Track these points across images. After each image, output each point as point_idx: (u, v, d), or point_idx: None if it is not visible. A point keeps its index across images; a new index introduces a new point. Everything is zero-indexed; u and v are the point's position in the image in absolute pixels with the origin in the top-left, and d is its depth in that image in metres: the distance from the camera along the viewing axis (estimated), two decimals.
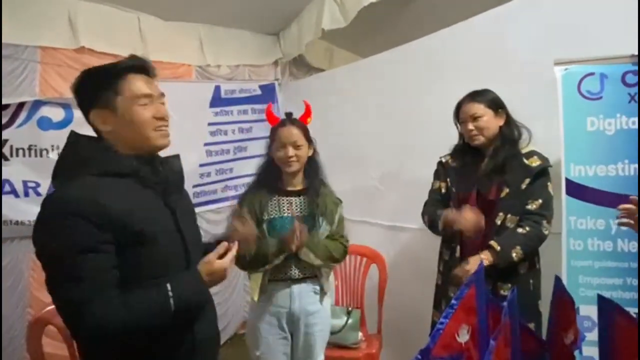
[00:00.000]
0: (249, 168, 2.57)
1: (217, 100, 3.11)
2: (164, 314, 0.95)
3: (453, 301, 0.67)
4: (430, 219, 1.78)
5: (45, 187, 2.40)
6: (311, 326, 1.70)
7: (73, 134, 1.07)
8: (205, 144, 3.06)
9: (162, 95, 1.10)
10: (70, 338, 1.62)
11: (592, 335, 1.05)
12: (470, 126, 1.69)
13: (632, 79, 1.52)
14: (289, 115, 1.71)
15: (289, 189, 1.71)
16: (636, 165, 1.50)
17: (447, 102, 2.23)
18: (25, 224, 2.31)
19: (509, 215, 1.63)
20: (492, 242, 1.58)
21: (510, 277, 1.61)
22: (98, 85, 1.03)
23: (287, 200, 1.69)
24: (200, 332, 1.08)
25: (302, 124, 1.68)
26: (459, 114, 1.77)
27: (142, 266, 0.99)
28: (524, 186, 1.64)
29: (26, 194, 2.35)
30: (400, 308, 2.36)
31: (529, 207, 1.61)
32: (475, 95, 1.72)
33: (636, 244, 1.46)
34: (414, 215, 2.42)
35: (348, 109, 2.92)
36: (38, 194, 2.38)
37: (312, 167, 1.73)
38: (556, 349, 0.81)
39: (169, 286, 0.96)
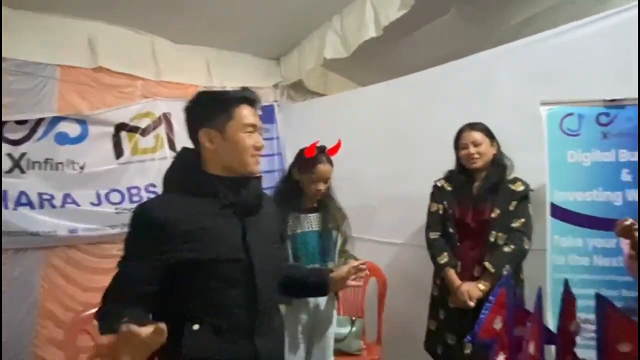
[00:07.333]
0: None
1: None
2: None
3: (490, 297, 0.88)
4: (434, 259, 1.99)
5: (59, 199, 2.49)
6: (328, 329, 1.87)
7: (183, 150, 1.20)
8: None
9: (261, 127, 1.20)
10: None
11: None
12: (472, 150, 1.93)
13: (604, 119, 1.81)
14: (324, 149, 1.91)
15: (307, 206, 1.90)
16: (608, 193, 1.77)
17: (438, 131, 2.49)
18: (40, 235, 2.39)
19: (500, 234, 1.88)
20: (487, 264, 1.82)
21: None
22: (214, 108, 1.14)
23: (305, 216, 1.88)
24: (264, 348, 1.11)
25: (331, 159, 1.89)
26: (459, 140, 2.01)
27: (203, 285, 1.06)
28: (511, 208, 1.89)
29: (41, 206, 2.43)
30: (395, 318, 2.56)
31: (513, 225, 1.86)
32: (475, 125, 1.98)
33: (610, 260, 1.73)
34: (406, 232, 2.67)
35: (344, 133, 3.10)
36: (52, 206, 2.46)
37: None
38: (564, 336, 1.02)
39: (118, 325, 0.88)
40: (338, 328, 2.28)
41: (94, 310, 1.06)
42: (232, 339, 1.07)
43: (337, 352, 2.26)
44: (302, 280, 1.34)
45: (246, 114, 1.14)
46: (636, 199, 1.74)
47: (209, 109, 1.14)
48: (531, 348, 0.89)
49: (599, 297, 1.02)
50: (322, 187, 1.84)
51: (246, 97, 1.16)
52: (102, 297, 1.06)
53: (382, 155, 2.87)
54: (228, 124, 1.13)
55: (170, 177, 1.17)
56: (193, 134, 1.16)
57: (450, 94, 2.51)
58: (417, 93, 2.70)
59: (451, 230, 1.98)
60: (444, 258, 1.94)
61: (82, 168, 2.58)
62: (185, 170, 1.15)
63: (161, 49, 2.94)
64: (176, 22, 2.87)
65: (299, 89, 3.85)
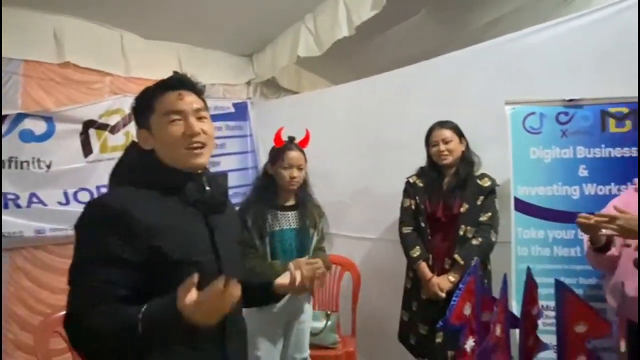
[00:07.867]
0: None
1: None
2: (132, 336, 0.85)
3: (461, 285, 0.95)
4: (406, 252, 2.07)
5: (25, 199, 2.41)
6: (302, 323, 1.91)
7: (133, 142, 1.06)
8: None
9: (201, 109, 1.02)
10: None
11: None
12: (442, 147, 2.01)
13: (563, 118, 1.92)
14: (292, 139, 1.93)
15: (285, 204, 1.92)
16: (567, 187, 1.89)
17: (409, 129, 2.57)
18: (5, 236, 2.30)
19: (468, 227, 1.97)
20: (457, 257, 1.91)
21: None
22: (140, 106, 1.03)
23: (283, 214, 1.90)
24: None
25: (302, 149, 1.91)
26: (430, 138, 2.08)
27: (170, 284, 0.90)
28: (479, 202, 1.99)
29: (6, 206, 2.35)
30: (369, 310, 2.62)
31: (481, 219, 1.97)
32: (445, 123, 2.07)
33: (569, 250, 1.84)
34: (379, 227, 2.74)
35: (317, 130, 3.13)
36: (18, 206, 2.38)
37: (303, 185, 1.95)
38: (527, 320, 1.11)
39: (143, 308, 0.85)
40: (313, 322, 2.32)
41: (64, 312, 0.92)
42: (202, 347, 0.98)
43: (313, 346, 2.29)
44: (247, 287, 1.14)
45: (170, 100, 0.99)
46: (592, 192, 1.87)
47: (138, 109, 1.04)
48: (497, 331, 0.97)
49: (557, 283, 1.11)
50: (295, 173, 1.84)
51: (170, 82, 1.01)
52: (69, 316, 0.90)
53: (355, 152, 2.93)
54: (151, 118, 1.00)
55: (123, 171, 1.04)
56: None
57: (420, 93, 2.59)
58: (388, 92, 2.77)
59: (423, 224, 2.05)
60: (416, 252, 2.01)
61: (48, 167, 2.50)
62: (142, 163, 1.01)
63: (131, 45, 2.88)
64: (147, 17, 2.82)
65: (272, 87, 3.85)
